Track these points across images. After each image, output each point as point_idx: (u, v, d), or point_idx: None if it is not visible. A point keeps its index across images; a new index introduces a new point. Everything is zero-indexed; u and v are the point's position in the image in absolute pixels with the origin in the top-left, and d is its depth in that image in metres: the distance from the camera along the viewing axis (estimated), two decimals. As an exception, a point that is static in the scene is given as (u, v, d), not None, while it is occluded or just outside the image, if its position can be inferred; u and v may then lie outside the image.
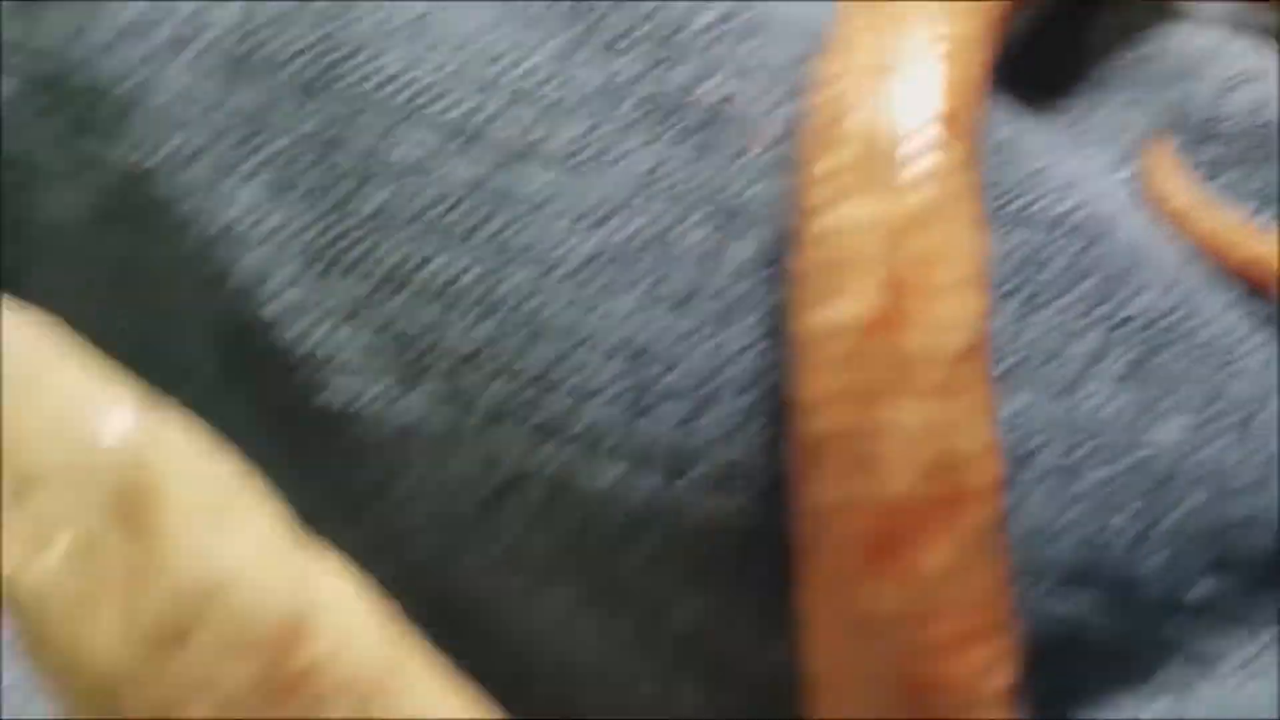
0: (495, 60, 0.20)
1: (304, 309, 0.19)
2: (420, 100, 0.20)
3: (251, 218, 0.20)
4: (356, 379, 0.19)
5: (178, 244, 0.20)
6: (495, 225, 0.19)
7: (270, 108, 0.20)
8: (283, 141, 0.20)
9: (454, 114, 0.19)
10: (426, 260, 0.19)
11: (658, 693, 0.20)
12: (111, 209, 0.20)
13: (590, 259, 0.19)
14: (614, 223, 0.19)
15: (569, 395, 0.19)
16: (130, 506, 0.15)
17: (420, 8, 0.20)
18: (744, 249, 0.19)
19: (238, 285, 0.20)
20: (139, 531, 0.15)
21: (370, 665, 0.16)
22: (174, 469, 0.16)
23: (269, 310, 0.19)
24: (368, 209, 0.19)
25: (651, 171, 0.19)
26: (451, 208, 0.19)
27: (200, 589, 0.15)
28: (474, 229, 0.19)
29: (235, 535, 0.16)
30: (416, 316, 0.19)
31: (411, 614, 0.20)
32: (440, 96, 0.19)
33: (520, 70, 0.20)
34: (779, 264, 0.18)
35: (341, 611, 0.16)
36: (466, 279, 0.19)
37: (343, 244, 0.19)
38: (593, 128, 0.19)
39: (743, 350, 0.19)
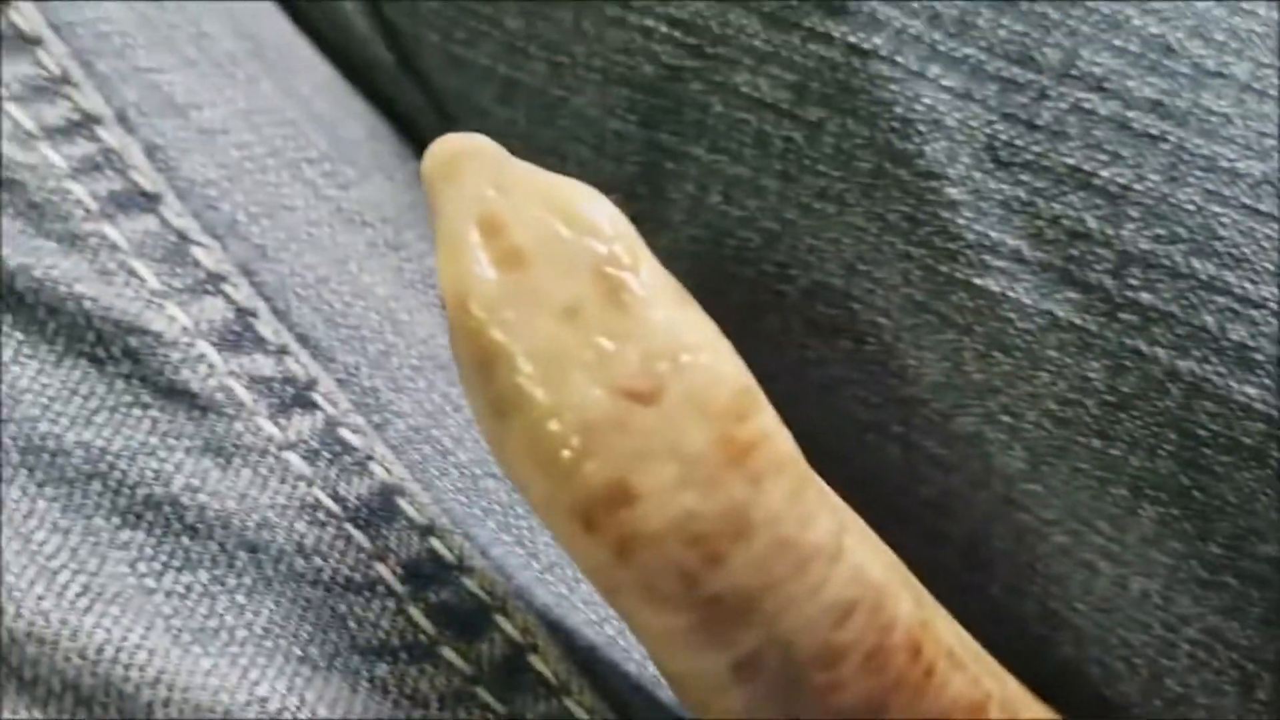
0: None
1: (978, 198, 0.21)
2: (1120, 14, 0.21)
3: (942, 110, 0.21)
4: (1016, 267, 0.21)
5: (864, 128, 0.21)
6: (1176, 139, 0.20)
7: (973, 13, 0.21)
8: (978, 45, 0.21)
9: (1152, 29, 0.21)
10: (1106, 164, 0.20)
11: (1202, 635, 0.20)
12: (811, 89, 0.22)
13: (1263, 180, 0.20)
14: None
15: (1227, 306, 0.20)
16: (609, 280, 0.17)
17: None
18: None
19: (919, 170, 0.21)
20: (615, 301, 0.17)
21: (798, 455, 0.17)
22: (644, 258, 0.17)
23: (944, 196, 0.21)
24: (1048, 114, 0.21)
25: None
26: (1132, 120, 0.20)
27: (670, 354, 0.16)
28: (1156, 140, 0.20)
29: (696, 315, 0.17)
30: (1088, 215, 0.20)
31: (959, 525, 0.22)
32: (1141, 12, 0.21)
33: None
34: None
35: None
36: (1142, 185, 0.20)
37: (1021, 143, 0.21)
38: (1276, 59, 0.20)
39: None
